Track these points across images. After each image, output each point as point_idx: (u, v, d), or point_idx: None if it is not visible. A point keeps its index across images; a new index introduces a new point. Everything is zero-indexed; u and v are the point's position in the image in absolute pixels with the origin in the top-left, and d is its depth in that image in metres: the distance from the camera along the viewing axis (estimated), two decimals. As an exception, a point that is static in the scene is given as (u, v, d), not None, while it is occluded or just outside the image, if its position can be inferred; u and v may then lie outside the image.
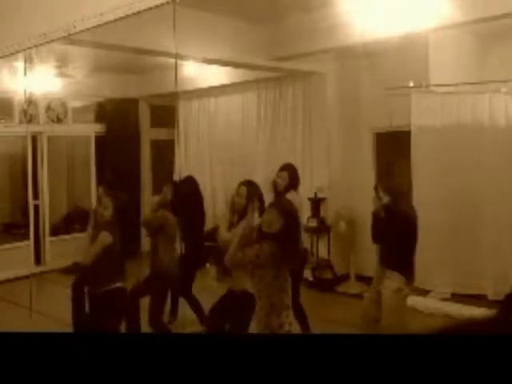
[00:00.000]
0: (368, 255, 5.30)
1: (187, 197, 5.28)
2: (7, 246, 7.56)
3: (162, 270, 4.63)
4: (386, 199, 4.06)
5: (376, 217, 4.18)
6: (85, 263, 4.00)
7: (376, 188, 4.21)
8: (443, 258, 5.94)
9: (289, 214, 3.09)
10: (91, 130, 8.66)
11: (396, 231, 4.01)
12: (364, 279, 6.18)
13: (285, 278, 3.09)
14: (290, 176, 4.76)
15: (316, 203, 6.91)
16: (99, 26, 3.62)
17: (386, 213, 4.04)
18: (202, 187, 5.95)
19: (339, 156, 7.12)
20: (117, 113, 8.69)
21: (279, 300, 3.05)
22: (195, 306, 5.29)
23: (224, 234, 3.88)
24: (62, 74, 7.13)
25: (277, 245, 2.99)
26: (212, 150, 8.55)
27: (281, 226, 3.01)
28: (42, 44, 4.18)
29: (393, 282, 3.95)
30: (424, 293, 5.90)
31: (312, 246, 6.98)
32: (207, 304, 4.85)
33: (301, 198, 4.94)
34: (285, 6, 5.23)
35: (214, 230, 5.51)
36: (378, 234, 4.19)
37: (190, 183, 5.66)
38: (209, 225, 6.65)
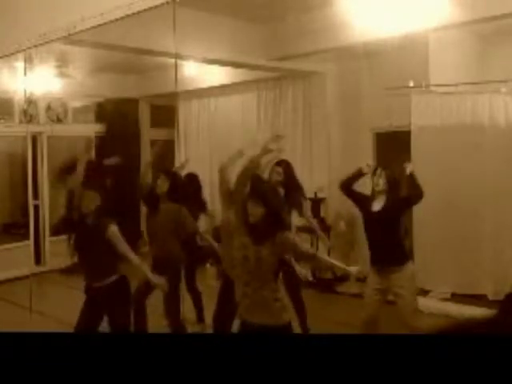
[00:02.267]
0: (368, 255, 5.29)
1: (189, 191, 5.31)
2: (7, 246, 7.55)
3: (168, 260, 4.61)
4: (385, 186, 4.05)
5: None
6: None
7: (374, 174, 4.17)
8: (443, 258, 5.94)
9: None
10: (91, 130, 8.65)
11: (394, 216, 4.05)
12: (364, 279, 6.17)
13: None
14: (285, 171, 4.69)
15: (316, 203, 6.91)
16: (99, 25, 3.62)
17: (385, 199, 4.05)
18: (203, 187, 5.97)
19: (339, 156, 7.12)
20: (117, 113, 8.68)
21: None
22: (197, 301, 5.30)
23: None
24: (61, 74, 7.13)
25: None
26: (212, 150, 8.55)
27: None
28: (41, 44, 4.18)
29: (406, 270, 3.99)
30: (424, 293, 5.90)
31: (312, 246, 6.98)
32: (207, 304, 4.85)
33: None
34: (285, 5, 5.22)
35: (215, 231, 5.52)
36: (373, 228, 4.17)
37: (193, 180, 5.70)
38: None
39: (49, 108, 8.13)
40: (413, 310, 4.08)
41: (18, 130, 7.69)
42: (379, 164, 4.46)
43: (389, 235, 4.02)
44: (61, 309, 4.77)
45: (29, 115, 7.66)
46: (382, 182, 4.03)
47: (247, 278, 3.06)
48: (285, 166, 4.71)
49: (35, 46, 4.28)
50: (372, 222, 4.09)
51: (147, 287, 4.66)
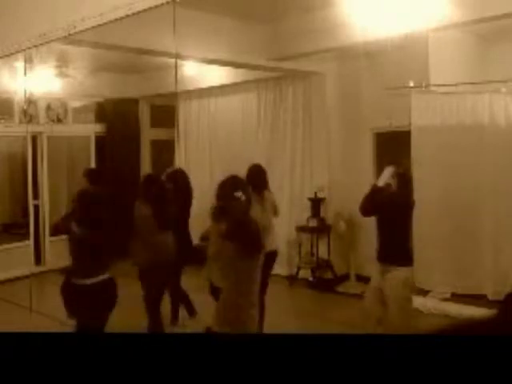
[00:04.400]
0: (368, 255, 5.29)
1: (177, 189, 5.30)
2: (7, 246, 7.56)
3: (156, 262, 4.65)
4: (395, 183, 4.08)
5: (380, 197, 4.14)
6: None
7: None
8: (443, 258, 5.94)
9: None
10: (91, 130, 8.66)
11: (400, 217, 4.05)
12: (364, 279, 6.18)
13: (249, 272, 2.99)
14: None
15: (316, 203, 6.91)
16: (99, 25, 3.62)
17: (393, 197, 4.05)
18: (201, 187, 5.94)
19: (339, 156, 7.12)
20: (117, 113, 8.69)
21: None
22: (184, 298, 5.32)
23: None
24: (61, 74, 7.13)
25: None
26: (212, 150, 8.55)
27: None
28: (41, 44, 4.17)
29: (401, 272, 3.98)
30: (424, 293, 5.90)
31: (312, 246, 6.99)
32: (203, 305, 4.84)
33: (273, 197, 5.16)
34: (285, 5, 5.23)
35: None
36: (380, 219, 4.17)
37: (181, 176, 5.66)
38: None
39: (49, 108, 8.12)
40: (404, 314, 4.06)
41: (18, 129, 7.69)
42: (382, 164, 4.50)
43: (397, 233, 4.05)
44: (61, 309, 4.74)
45: (29, 115, 7.66)
46: (392, 180, 4.07)
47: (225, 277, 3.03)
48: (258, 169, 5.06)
49: (35, 46, 4.27)
50: (384, 219, 4.12)
51: (160, 292, 4.68)
